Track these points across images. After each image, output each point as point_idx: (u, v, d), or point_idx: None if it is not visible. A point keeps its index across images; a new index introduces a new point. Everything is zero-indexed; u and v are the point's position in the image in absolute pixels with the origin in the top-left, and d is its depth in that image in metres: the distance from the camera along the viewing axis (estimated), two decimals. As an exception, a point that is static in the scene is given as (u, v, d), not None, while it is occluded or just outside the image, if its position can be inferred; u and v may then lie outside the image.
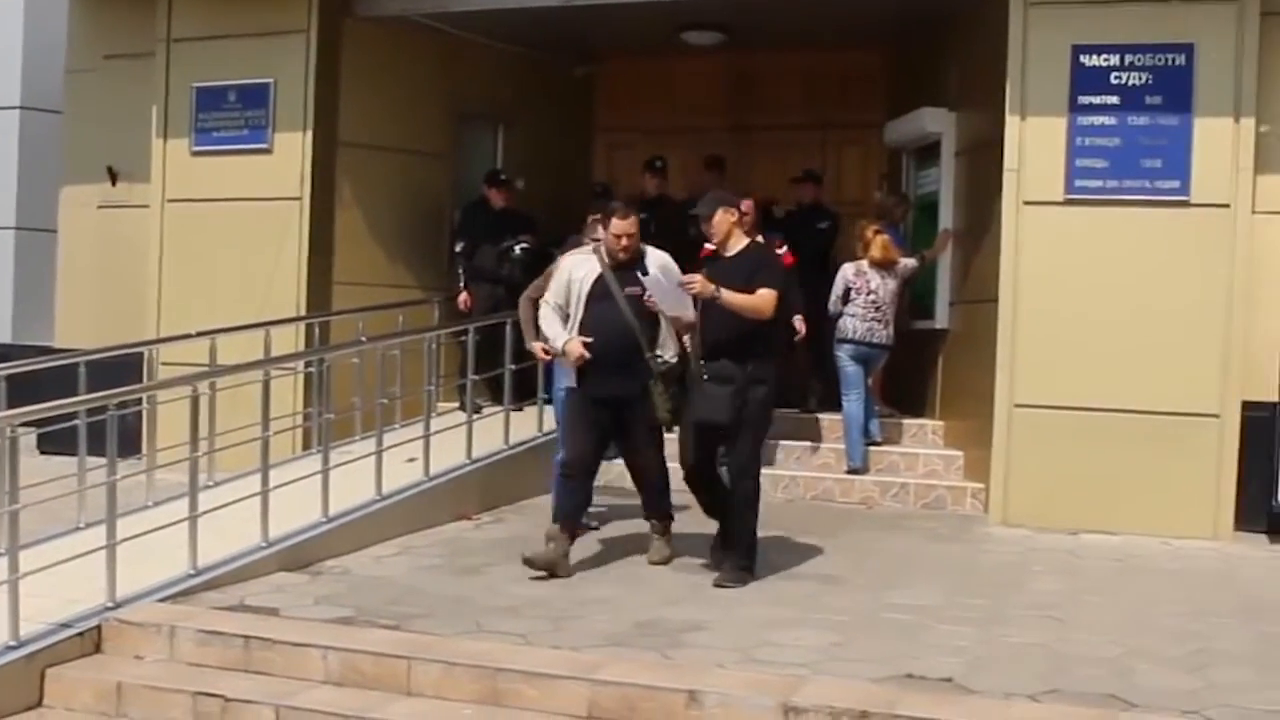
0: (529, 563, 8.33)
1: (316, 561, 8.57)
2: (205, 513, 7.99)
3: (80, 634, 7.06)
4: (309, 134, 12.11)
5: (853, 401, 11.30)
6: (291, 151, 12.15)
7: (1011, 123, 10.32)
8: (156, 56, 12.78)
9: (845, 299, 11.39)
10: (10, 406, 8.53)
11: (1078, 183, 10.19)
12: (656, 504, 9.03)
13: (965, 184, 11.74)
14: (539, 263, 12.22)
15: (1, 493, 7.61)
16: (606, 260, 8.72)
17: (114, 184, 13.73)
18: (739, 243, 8.46)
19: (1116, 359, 9.93)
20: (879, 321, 11.36)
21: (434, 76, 13.05)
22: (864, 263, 11.43)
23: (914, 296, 12.22)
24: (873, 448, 11.49)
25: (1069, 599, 8.15)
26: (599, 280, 8.68)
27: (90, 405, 8.38)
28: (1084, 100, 10.23)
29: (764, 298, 8.11)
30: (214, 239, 12.35)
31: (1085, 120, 10.23)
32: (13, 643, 6.71)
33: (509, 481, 10.86)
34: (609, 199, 12.48)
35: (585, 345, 8.58)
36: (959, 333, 11.71)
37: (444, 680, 6.47)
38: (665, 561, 8.87)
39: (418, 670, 6.54)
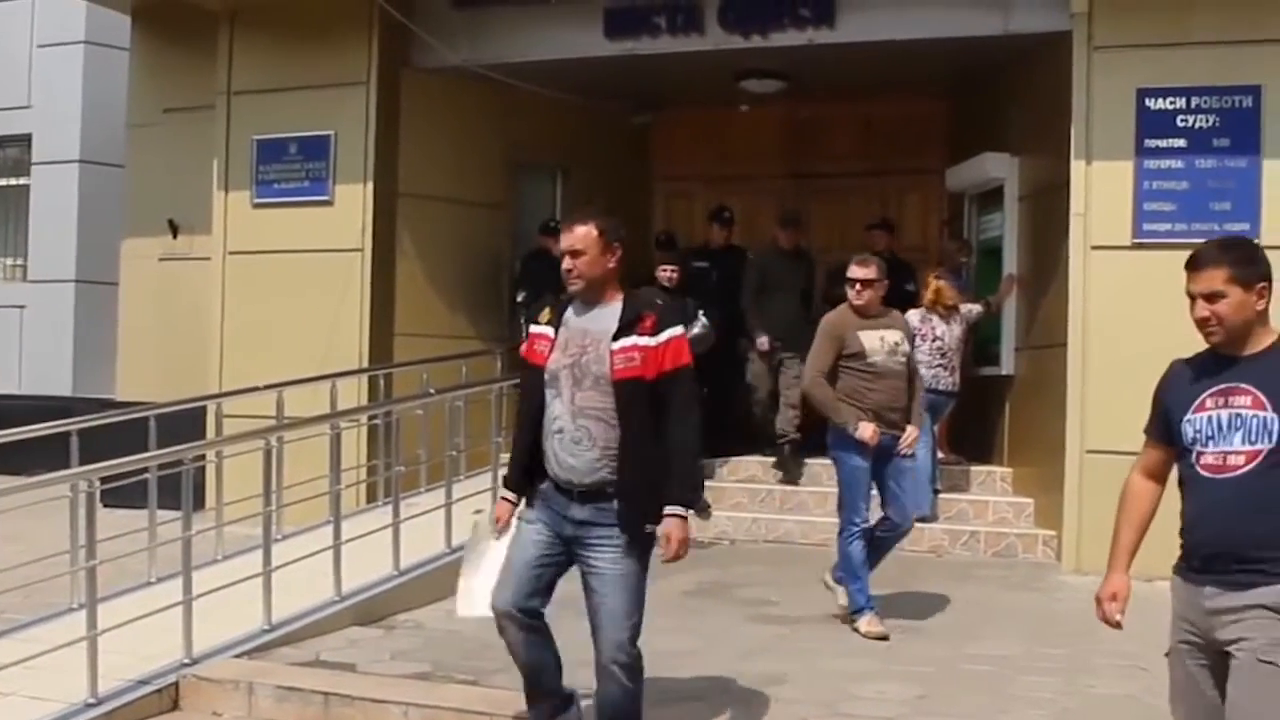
0: None
1: (389, 615, 8.53)
2: (279, 567, 7.95)
3: (158, 691, 7.01)
4: (369, 185, 12.16)
5: (920, 449, 11.17)
6: (352, 203, 12.19)
7: (1077, 167, 10.30)
8: (217, 109, 12.85)
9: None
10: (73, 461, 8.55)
11: (1146, 226, 10.16)
12: None
13: (1029, 229, 11.67)
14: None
15: (77, 548, 7.68)
16: None
17: (175, 236, 13.83)
18: None
19: (1189, 404, 9.79)
20: (944, 368, 11.26)
21: (492, 127, 13.08)
22: (926, 309, 11.38)
23: (979, 342, 12.12)
24: (940, 495, 11.39)
25: (1150, 648, 7.93)
26: None
27: (164, 460, 8.35)
28: (1150, 143, 10.20)
29: None
30: (275, 291, 12.38)
31: (1152, 164, 10.19)
32: (92, 700, 6.66)
33: (576, 532, 10.76)
34: (673, 248, 12.55)
35: None
36: (1026, 378, 11.61)
37: (528, 737, 6.40)
38: None
39: (500, 727, 6.47)
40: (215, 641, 7.53)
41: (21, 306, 16.31)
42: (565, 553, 5.67)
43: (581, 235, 5.57)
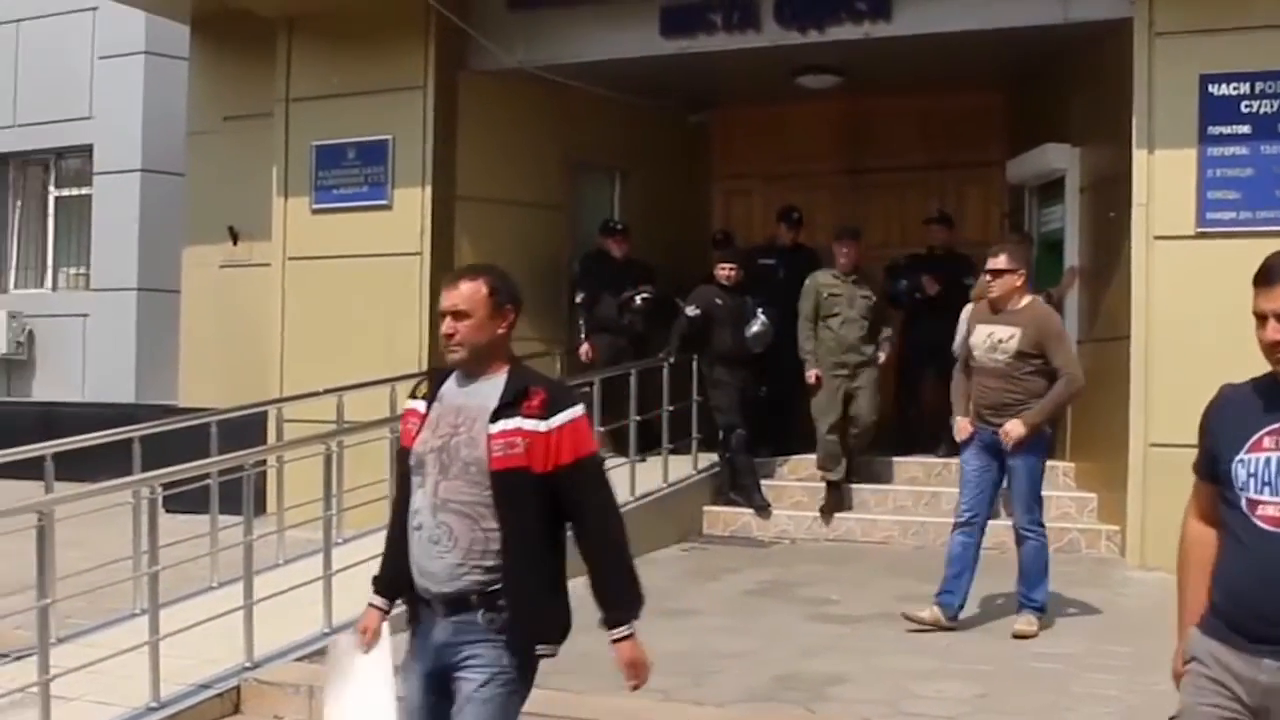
0: None
1: (448, 618, 8.51)
2: (339, 570, 7.97)
3: (219, 695, 7.08)
4: (428, 189, 12.15)
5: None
6: (411, 207, 12.20)
7: (1139, 156, 10.16)
8: (275, 116, 12.91)
9: (971, 339, 11.21)
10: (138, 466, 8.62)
11: (1209, 215, 10.01)
12: None
13: (1091, 220, 11.53)
14: (661, 312, 12.24)
15: (140, 554, 7.75)
16: None
17: (235, 243, 13.90)
18: None
19: (1255, 395, 9.66)
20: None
21: (549, 128, 13.06)
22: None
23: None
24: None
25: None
26: None
27: (225, 465, 8.40)
28: (1214, 131, 10.04)
29: None
30: (335, 296, 12.42)
31: (1216, 151, 10.03)
32: (154, 704, 6.73)
33: (636, 533, 10.49)
34: (730, 246, 12.50)
35: None
36: (1088, 371, 11.39)
37: (587, 738, 6.38)
38: None
39: (559, 728, 6.44)
40: (276, 645, 7.56)
41: (85, 315, 16.45)
42: None
43: (468, 294, 4.48)
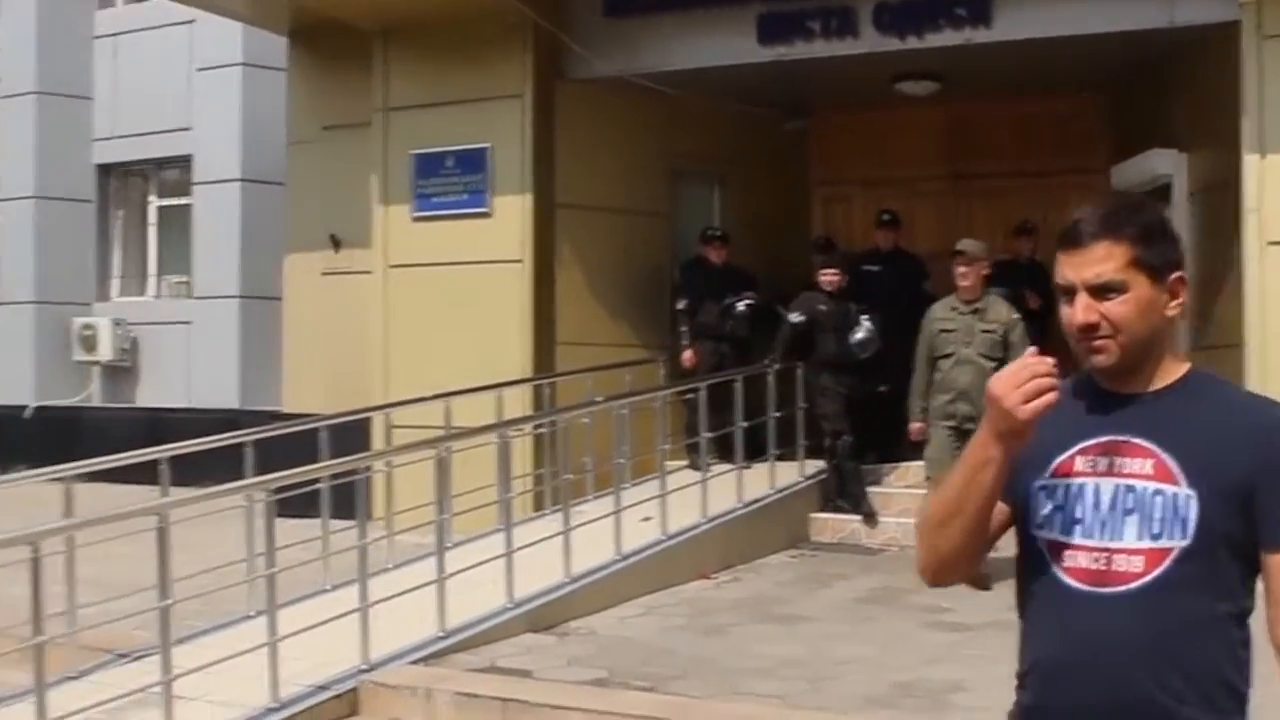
0: None
1: (562, 622, 8.55)
2: (453, 574, 7.99)
3: (337, 696, 7.11)
4: (528, 196, 12.18)
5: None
6: (511, 214, 12.24)
7: (1250, 161, 9.99)
8: (374, 125, 12.97)
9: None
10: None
11: (1325, 219, 9.85)
12: None
13: (1200, 226, 11.35)
14: (763, 319, 12.19)
15: (254, 556, 7.82)
16: None
17: (337, 251, 13.99)
18: None
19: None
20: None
21: (648, 135, 13.07)
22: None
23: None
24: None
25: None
26: None
27: (339, 469, 8.45)
28: (1327, 133, 9.88)
29: None
30: (436, 303, 12.47)
31: (1329, 154, 9.87)
32: (274, 705, 6.77)
33: (744, 540, 10.73)
34: (831, 251, 12.43)
35: None
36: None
37: (709, 742, 6.37)
38: None
39: (681, 732, 6.44)
40: (392, 648, 7.58)
41: (187, 322, 16.62)
42: None
43: None
